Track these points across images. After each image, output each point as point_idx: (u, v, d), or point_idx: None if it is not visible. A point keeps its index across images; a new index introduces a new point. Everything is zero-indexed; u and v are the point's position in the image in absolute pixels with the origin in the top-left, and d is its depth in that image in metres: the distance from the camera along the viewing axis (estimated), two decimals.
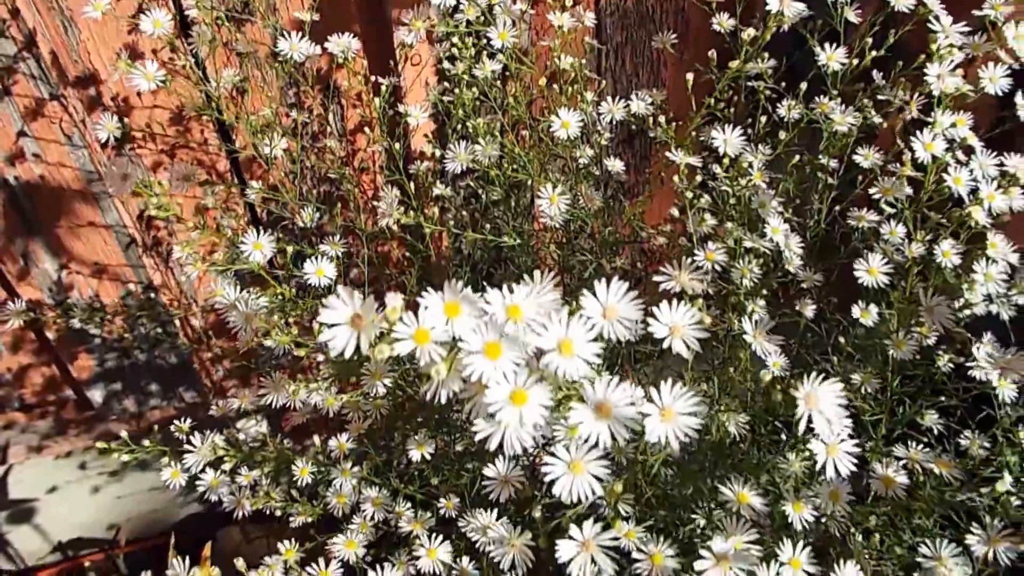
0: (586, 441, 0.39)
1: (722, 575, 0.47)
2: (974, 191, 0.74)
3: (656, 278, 0.49)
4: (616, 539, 0.49)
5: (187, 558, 0.70)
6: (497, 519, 0.68)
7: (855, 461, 0.52)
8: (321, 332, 0.38)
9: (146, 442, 0.85)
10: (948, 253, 0.79)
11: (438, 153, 1.07)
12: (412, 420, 0.91)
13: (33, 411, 1.44)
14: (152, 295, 1.26)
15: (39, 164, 1.06)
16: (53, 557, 1.70)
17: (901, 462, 0.72)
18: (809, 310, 0.96)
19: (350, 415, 0.88)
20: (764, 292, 0.84)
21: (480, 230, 1.00)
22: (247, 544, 1.58)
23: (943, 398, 0.91)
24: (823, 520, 0.66)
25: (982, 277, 0.75)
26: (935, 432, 0.89)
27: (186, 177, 0.96)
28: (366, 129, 1.13)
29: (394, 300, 0.37)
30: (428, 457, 0.81)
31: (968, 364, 0.80)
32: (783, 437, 0.87)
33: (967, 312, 0.86)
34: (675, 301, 0.47)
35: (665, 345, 0.47)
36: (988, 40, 0.85)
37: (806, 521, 0.61)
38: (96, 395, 1.42)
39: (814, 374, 0.46)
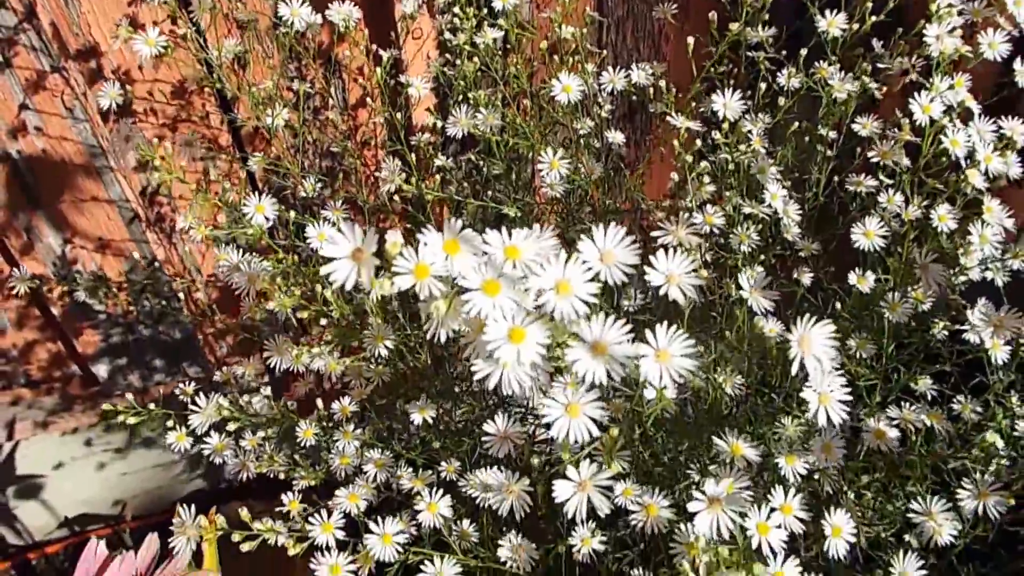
0: (582, 379, 0.40)
1: (714, 517, 0.49)
2: (971, 154, 0.75)
3: (654, 233, 0.50)
4: (612, 479, 0.50)
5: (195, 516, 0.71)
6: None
7: (847, 411, 0.53)
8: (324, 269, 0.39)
9: (151, 405, 0.87)
10: (944, 217, 0.80)
11: (440, 124, 1.07)
12: (414, 389, 0.92)
13: (39, 387, 1.45)
14: (156, 264, 1.27)
15: (41, 137, 1.07)
16: (60, 532, 1.72)
17: (894, 421, 0.73)
18: (807, 278, 0.97)
19: (352, 383, 0.89)
20: (762, 258, 0.85)
21: (482, 199, 1.01)
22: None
23: (937, 365, 0.92)
24: (816, 476, 0.67)
25: (977, 239, 0.75)
26: (928, 398, 0.90)
27: (188, 143, 0.97)
28: (368, 100, 1.14)
29: (395, 236, 0.38)
30: (430, 421, 0.82)
31: (962, 328, 0.80)
32: (779, 405, 0.88)
33: (963, 279, 0.87)
34: (671, 251, 0.48)
35: (662, 292, 0.48)
36: (988, 6, 0.85)
37: (798, 475, 0.62)
38: (101, 370, 1.43)
39: (807, 316, 0.47)
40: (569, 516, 0.48)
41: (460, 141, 1.20)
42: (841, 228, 1.01)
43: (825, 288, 1.03)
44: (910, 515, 0.69)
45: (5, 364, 1.37)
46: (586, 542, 0.72)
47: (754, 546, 0.49)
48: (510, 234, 0.40)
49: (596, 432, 0.44)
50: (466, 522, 0.80)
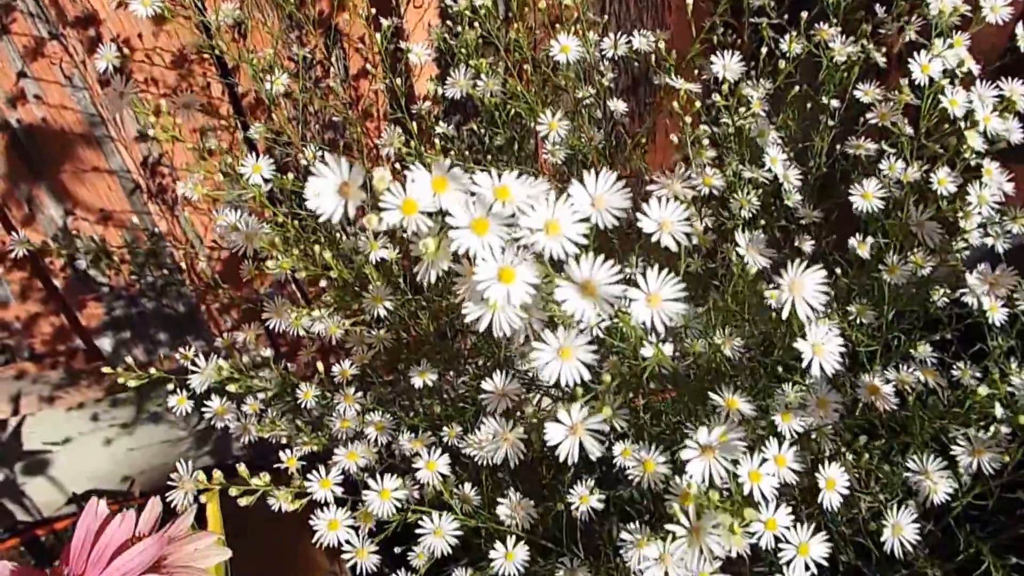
0: (571, 317, 0.40)
1: (706, 464, 0.49)
2: (969, 114, 0.75)
3: (649, 187, 0.50)
4: (604, 422, 0.50)
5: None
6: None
7: (841, 362, 0.54)
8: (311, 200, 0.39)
9: (153, 369, 0.87)
10: (944, 181, 0.80)
11: (440, 91, 1.07)
12: (417, 356, 0.92)
13: (43, 361, 1.46)
14: (157, 233, 1.27)
15: (40, 106, 1.07)
16: (69, 508, 1.73)
17: (890, 382, 0.73)
18: (808, 246, 0.97)
19: (355, 350, 0.90)
20: (763, 223, 0.85)
21: (484, 167, 1.01)
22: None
23: (938, 335, 0.92)
24: (813, 436, 0.67)
25: (976, 199, 0.75)
26: (928, 364, 0.90)
27: (187, 105, 0.97)
28: (368, 68, 1.13)
29: (381, 172, 0.39)
30: (430, 384, 0.82)
31: (961, 291, 0.81)
32: (781, 372, 0.88)
33: (963, 244, 0.87)
34: (665, 199, 0.48)
35: (654, 240, 0.48)
36: None
37: (795, 432, 0.62)
38: (105, 344, 1.43)
39: (797, 261, 0.47)
40: (561, 459, 0.49)
41: (463, 109, 1.20)
42: (843, 198, 1.01)
43: (827, 257, 1.03)
44: (907, 475, 0.70)
45: (8, 337, 1.38)
46: (584, 500, 0.72)
47: (745, 493, 0.49)
48: (500, 175, 0.41)
49: (587, 375, 0.44)
50: (467, 486, 0.81)
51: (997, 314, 0.76)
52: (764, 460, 0.50)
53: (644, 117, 1.40)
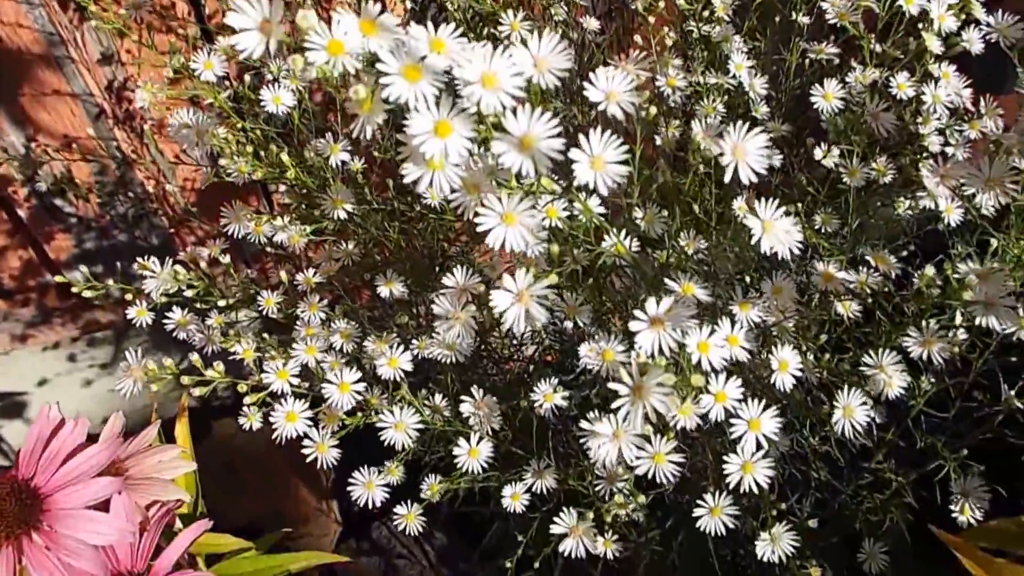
0: (509, 169, 0.40)
1: (656, 336, 0.49)
2: (924, 14, 0.76)
3: (600, 68, 0.49)
4: (549, 288, 0.50)
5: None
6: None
7: (801, 247, 0.54)
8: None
9: (111, 281, 0.86)
10: (903, 86, 0.81)
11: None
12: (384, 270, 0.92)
13: (13, 298, 1.44)
14: (124, 160, 1.25)
15: None
16: None
17: (851, 284, 0.74)
18: (776, 159, 0.97)
19: (322, 265, 0.89)
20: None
21: None
22: (242, 433, 1.64)
23: (903, 251, 0.94)
24: (772, 330, 0.68)
25: (930, 98, 0.76)
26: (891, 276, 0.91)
27: (136, 5, 0.95)
28: None
29: (304, 12, 0.38)
30: (397, 294, 0.82)
31: (920, 196, 0.82)
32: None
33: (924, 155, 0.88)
34: (611, 70, 0.48)
35: (600, 108, 0.48)
36: None
37: (752, 322, 0.63)
38: (76, 278, 1.41)
39: (740, 123, 0.47)
40: (507, 327, 0.49)
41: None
42: (811, 111, 1.01)
43: (794, 173, 1.03)
44: (862, 368, 0.71)
45: None
46: (548, 398, 0.73)
47: (694, 363, 0.50)
48: (436, 28, 0.40)
49: (532, 241, 0.44)
50: (439, 396, 0.81)
51: (953, 215, 0.77)
52: (714, 331, 0.50)
53: (623, 43, 1.39)
